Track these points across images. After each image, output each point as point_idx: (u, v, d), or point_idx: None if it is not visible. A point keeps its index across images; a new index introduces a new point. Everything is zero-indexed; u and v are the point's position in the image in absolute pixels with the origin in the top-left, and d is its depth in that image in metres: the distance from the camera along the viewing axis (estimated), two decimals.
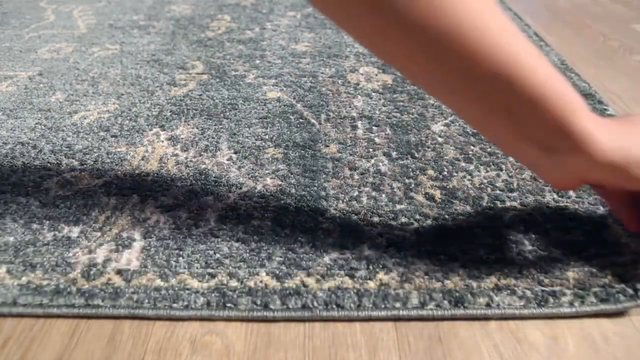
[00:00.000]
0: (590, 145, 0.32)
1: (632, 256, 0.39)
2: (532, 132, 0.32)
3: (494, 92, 0.31)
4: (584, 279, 0.37)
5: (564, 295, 0.36)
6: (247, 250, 0.41)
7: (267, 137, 0.56)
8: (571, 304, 0.36)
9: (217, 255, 0.40)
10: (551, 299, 0.36)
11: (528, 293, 0.36)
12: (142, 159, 0.53)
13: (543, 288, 0.37)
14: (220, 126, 0.58)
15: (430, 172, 0.50)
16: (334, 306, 0.36)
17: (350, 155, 0.53)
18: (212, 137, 0.56)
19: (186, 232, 0.43)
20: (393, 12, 0.29)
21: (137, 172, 0.51)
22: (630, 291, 0.36)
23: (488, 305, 0.36)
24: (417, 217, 0.44)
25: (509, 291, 0.37)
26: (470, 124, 0.36)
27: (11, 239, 0.42)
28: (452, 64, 0.31)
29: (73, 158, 0.53)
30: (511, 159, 0.52)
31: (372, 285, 0.37)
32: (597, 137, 0.32)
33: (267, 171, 0.50)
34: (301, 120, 0.59)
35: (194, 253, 0.40)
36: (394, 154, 0.53)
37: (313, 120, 0.59)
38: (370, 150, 0.53)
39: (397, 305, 0.36)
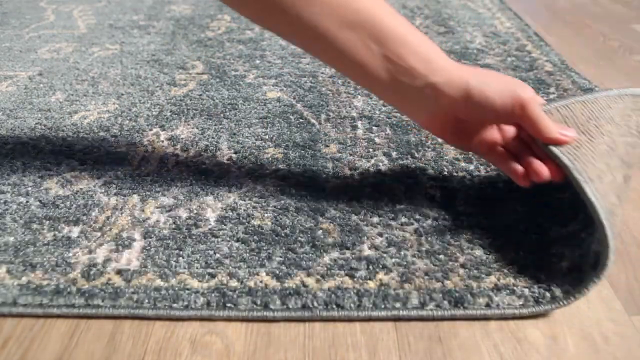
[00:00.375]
0: (444, 71, 0.39)
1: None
2: (401, 72, 0.39)
3: (366, 41, 0.38)
4: (579, 267, 0.37)
5: (561, 286, 0.36)
6: (247, 250, 0.41)
7: (267, 137, 0.56)
8: (567, 293, 0.35)
9: (217, 255, 0.40)
10: (547, 295, 0.36)
11: (526, 292, 0.36)
12: (142, 159, 0.53)
13: (540, 284, 0.37)
14: (220, 126, 0.58)
15: (430, 172, 0.50)
16: (334, 306, 0.36)
17: (350, 155, 0.53)
18: (212, 137, 0.56)
19: (186, 232, 0.43)
20: None
21: (137, 172, 0.51)
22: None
23: (488, 305, 0.36)
24: (417, 217, 0.44)
25: (508, 291, 0.37)
26: (349, 74, 0.43)
27: (11, 239, 0.42)
28: (322, 22, 0.38)
29: (73, 158, 0.53)
30: None
31: (372, 285, 0.37)
32: (449, 66, 0.39)
33: (267, 171, 0.50)
34: (301, 120, 0.59)
35: (194, 253, 0.40)
36: (394, 154, 0.53)
37: (313, 120, 0.59)
38: (370, 150, 0.53)
39: (397, 305, 0.36)
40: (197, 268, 0.39)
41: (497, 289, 0.37)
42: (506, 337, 0.35)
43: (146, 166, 0.51)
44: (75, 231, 0.43)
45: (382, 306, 0.36)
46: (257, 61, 0.75)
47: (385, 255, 0.40)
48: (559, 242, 0.40)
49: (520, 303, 0.36)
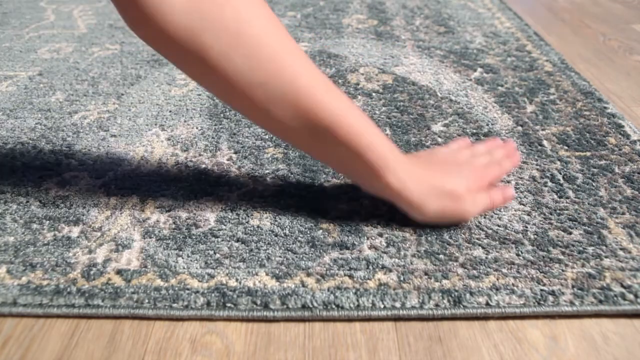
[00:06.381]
0: (402, 193, 0.41)
1: (634, 262, 0.39)
2: (359, 175, 0.42)
3: (320, 143, 0.39)
4: (583, 280, 0.37)
5: (562, 294, 0.36)
6: (247, 250, 0.41)
7: (267, 137, 0.56)
8: (571, 303, 0.36)
9: (217, 255, 0.40)
10: (550, 298, 0.36)
11: (527, 292, 0.36)
12: (142, 159, 0.53)
13: (542, 287, 0.37)
14: (220, 126, 0.58)
15: None
16: (334, 306, 0.36)
17: None
18: (212, 137, 0.56)
19: (186, 232, 0.43)
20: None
21: (137, 172, 0.51)
22: (631, 296, 0.36)
23: (487, 304, 0.36)
24: None
25: (507, 290, 0.37)
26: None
27: (11, 239, 0.42)
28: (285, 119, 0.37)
29: (73, 158, 0.53)
30: None
31: (371, 285, 0.37)
32: (406, 185, 0.40)
33: (267, 171, 0.50)
34: None
35: (193, 253, 0.40)
36: None
37: None
38: None
39: (397, 305, 0.36)
40: (196, 268, 0.39)
41: (495, 288, 0.37)
42: (506, 337, 0.35)
43: (146, 166, 0.51)
44: (75, 231, 0.43)
45: (381, 306, 0.36)
46: None
47: (384, 255, 0.40)
48: (559, 247, 0.41)
49: (521, 302, 0.36)
